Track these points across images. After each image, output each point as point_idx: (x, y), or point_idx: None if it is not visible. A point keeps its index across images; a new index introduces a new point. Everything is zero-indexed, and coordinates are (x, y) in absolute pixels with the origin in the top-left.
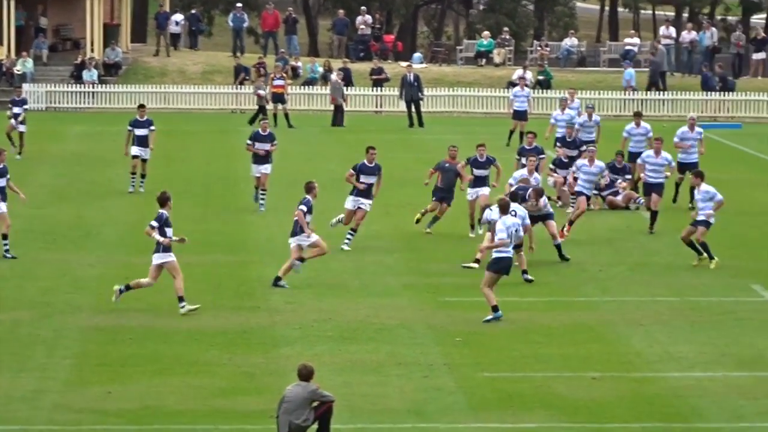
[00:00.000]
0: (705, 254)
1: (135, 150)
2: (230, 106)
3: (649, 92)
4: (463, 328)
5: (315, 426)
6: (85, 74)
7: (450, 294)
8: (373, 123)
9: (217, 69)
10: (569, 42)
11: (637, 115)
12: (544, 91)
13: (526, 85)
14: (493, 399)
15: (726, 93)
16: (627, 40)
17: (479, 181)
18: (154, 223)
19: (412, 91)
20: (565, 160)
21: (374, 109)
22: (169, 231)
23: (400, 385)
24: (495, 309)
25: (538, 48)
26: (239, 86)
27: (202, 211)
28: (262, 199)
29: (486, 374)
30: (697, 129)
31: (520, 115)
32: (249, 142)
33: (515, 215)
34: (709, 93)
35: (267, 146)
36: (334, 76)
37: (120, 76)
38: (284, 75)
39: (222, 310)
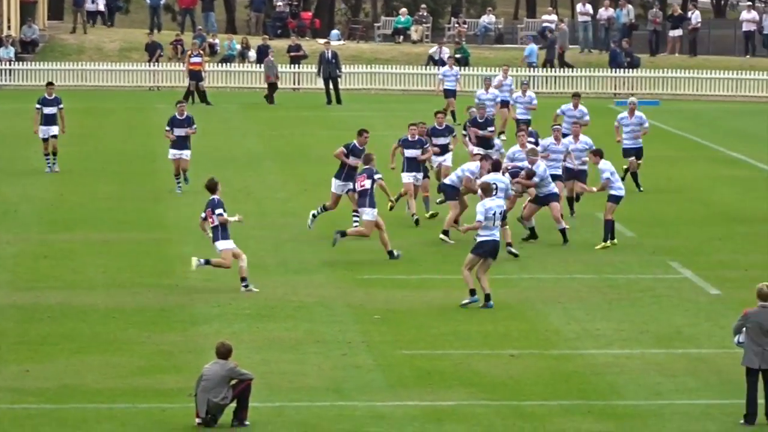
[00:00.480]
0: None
1: (42, 131)
2: (147, 84)
3: (543, 69)
4: (382, 306)
5: (233, 404)
6: (2, 52)
7: (368, 272)
8: (291, 100)
9: (134, 46)
10: (487, 19)
11: (576, 96)
12: (463, 68)
13: (455, 64)
14: (411, 376)
15: (632, 70)
16: (545, 17)
17: (442, 150)
18: (221, 210)
19: (330, 68)
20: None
21: (292, 86)
22: (224, 212)
23: (319, 363)
24: (472, 293)
25: (456, 25)
26: (156, 63)
27: (119, 189)
28: (178, 183)
29: (405, 352)
30: (638, 114)
31: (450, 94)
32: (167, 128)
33: (497, 192)
34: (616, 70)
35: (183, 131)
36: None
37: (37, 54)
38: (201, 52)
39: (140, 288)
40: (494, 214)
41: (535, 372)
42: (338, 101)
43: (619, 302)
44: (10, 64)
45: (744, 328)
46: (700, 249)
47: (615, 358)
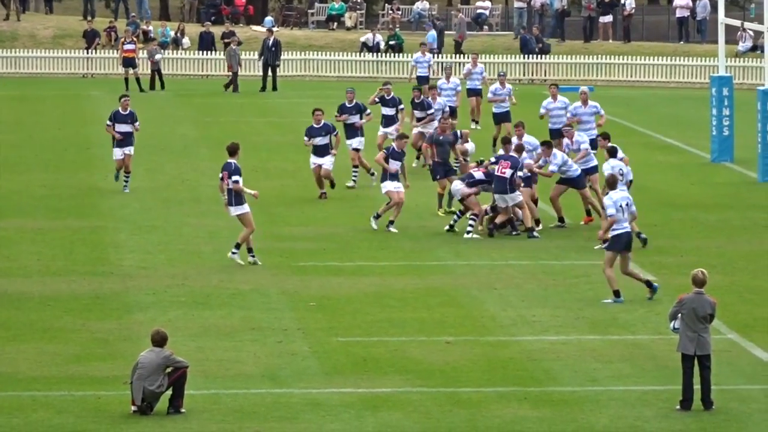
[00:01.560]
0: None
1: None
2: (81, 71)
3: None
4: (317, 293)
5: (169, 392)
6: None
7: (303, 259)
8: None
9: (68, 33)
10: (421, 6)
11: (501, 74)
12: (397, 55)
13: (429, 51)
14: (347, 363)
15: (542, 56)
16: (479, 3)
17: (388, 120)
18: (237, 177)
19: (269, 55)
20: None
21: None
22: (240, 179)
23: (254, 350)
24: (617, 294)
25: (390, 12)
26: (93, 51)
27: (53, 177)
28: (126, 180)
29: (340, 339)
30: (592, 103)
31: (423, 81)
32: (108, 123)
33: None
34: (527, 56)
35: (129, 127)
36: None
37: None
38: (135, 39)
39: (75, 275)
40: (621, 206)
41: (471, 359)
42: (274, 88)
43: (554, 288)
44: None
45: (679, 315)
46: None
47: (551, 345)
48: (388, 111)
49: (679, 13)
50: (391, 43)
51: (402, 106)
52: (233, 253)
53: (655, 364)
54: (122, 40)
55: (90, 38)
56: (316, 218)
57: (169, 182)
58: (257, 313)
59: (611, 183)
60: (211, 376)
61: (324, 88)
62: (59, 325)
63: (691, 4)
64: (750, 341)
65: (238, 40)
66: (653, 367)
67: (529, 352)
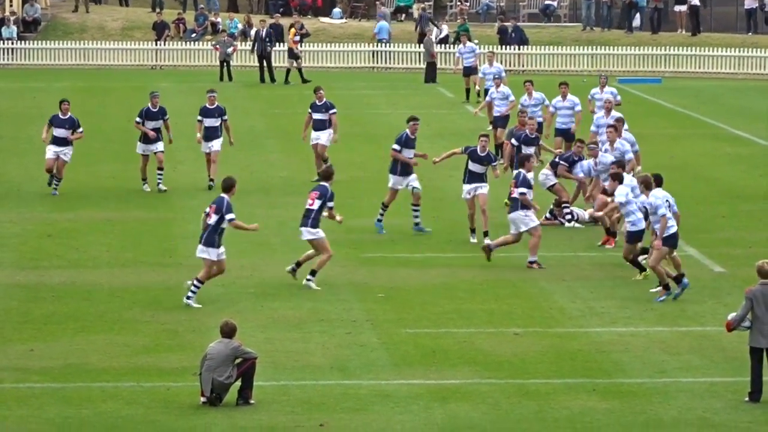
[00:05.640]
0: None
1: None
2: (150, 62)
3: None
4: (385, 284)
5: (238, 383)
6: (4, 31)
7: (371, 250)
8: (294, 77)
9: (136, 25)
10: None
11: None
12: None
13: (469, 40)
14: (416, 355)
15: (520, 47)
16: None
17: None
18: (232, 215)
19: (263, 45)
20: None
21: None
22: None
23: (323, 342)
24: (667, 287)
25: (458, 3)
26: (163, 42)
27: (122, 168)
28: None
29: (409, 330)
30: (609, 89)
31: (469, 71)
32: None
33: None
34: (506, 47)
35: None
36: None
37: (39, 33)
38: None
39: (144, 267)
40: (666, 203)
41: (540, 350)
42: (272, 80)
43: (623, 280)
44: (12, 44)
45: (749, 312)
46: (704, 227)
47: (619, 336)
48: (320, 116)
49: (747, 4)
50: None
51: (334, 111)
52: (308, 280)
53: (724, 355)
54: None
55: (159, 30)
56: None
57: (238, 173)
58: (325, 304)
59: (647, 183)
60: (279, 367)
61: (389, 79)
62: (128, 316)
63: None
64: None
65: (307, 31)
66: (722, 359)
67: (598, 344)
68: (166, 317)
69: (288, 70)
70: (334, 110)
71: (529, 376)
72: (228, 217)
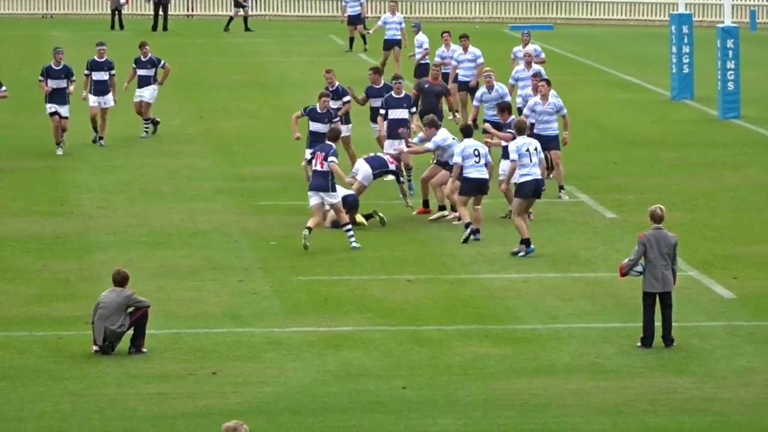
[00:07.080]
0: None
1: None
2: (41, 11)
3: None
4: (278, 232)
5: (130, 331)
6: None
7: (264, 198)
8: (186, 27)
9: None
10: None
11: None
12: None
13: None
14: (308, 302)
15: None
16: None
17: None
18: (333, 158)
19: None
20: None
21: (186, 13)
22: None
23: (216, 290)
24: (527, 243)
25: None
26: None
27: (11, 117)
28: (101, 138)
29: (301, 278)
30: (533, 46)
31: (354, 20)
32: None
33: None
34: None
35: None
36: None
37: None
38: None
39: (35, 215)
40: (528, 151)
41: (432, 297)
42: (165, 28)
43: (513, 226)
44: None
45: (642, 257)
46: (596, 173)
47: (511, 282)
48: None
49: None
50: None
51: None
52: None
53: (616, 301)
54: None
55: None
56: (277, 158)
57: (129, 123)
58: (218, 252)
59: (520, 128)
60: (172, 316)
61: (285, 27)
62: (19, 265)
63: None
64: (710, 278)
65: None
66: (614, 305)
67: (490, 290)
68: (58, 266)
69: (230, 18)
70: (163, 62)
71: (421, 322)
72: (330, 159)
